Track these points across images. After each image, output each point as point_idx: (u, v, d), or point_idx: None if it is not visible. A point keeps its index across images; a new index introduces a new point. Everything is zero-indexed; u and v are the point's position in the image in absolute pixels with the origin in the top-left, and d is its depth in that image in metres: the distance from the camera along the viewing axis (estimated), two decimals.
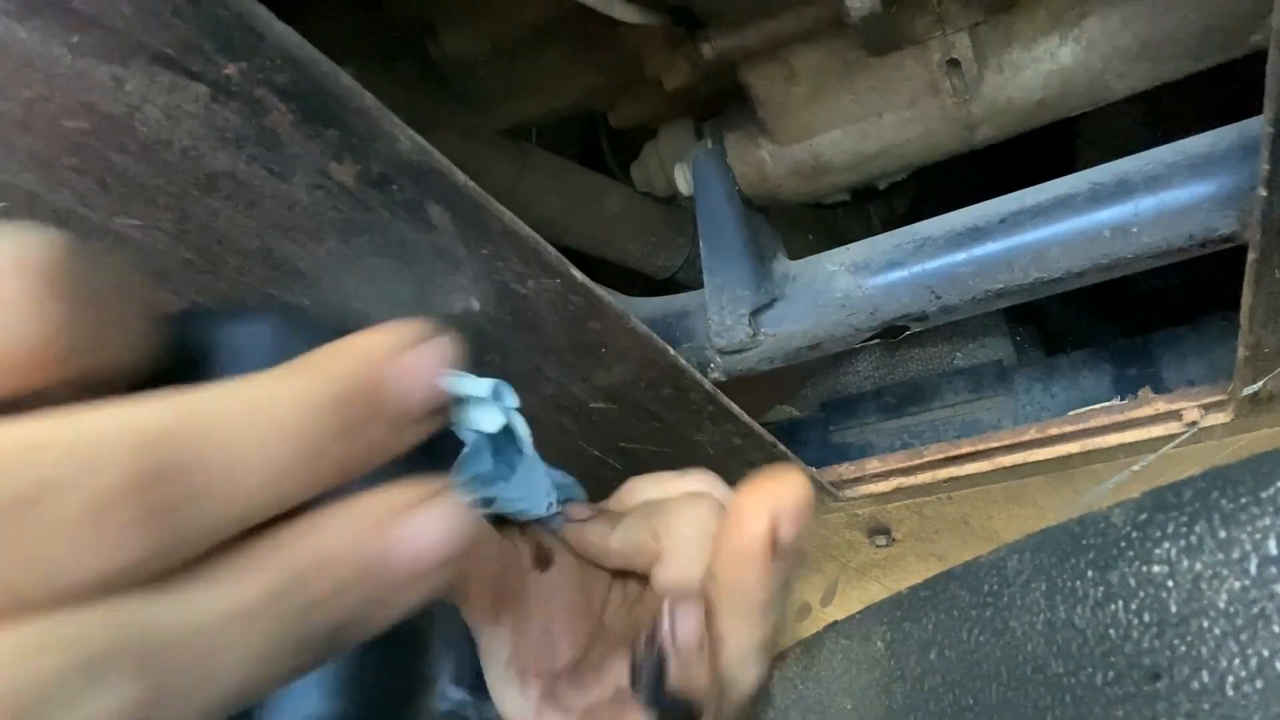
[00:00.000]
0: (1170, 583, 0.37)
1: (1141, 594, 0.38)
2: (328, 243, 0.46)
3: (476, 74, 0.89)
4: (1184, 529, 0.37)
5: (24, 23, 0.31)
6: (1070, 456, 0.96)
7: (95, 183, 0.38)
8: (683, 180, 0.90)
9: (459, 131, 0.91)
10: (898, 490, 1.04)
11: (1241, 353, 0.76)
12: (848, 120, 0.80)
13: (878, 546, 1.23)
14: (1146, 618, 0.38)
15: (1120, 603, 0.39)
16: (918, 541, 1.26)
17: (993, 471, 1.00)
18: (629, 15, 0.72)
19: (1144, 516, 0.39)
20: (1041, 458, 0.96)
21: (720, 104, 0.89)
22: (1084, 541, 0.41)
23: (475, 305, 0.54)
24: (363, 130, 0.41)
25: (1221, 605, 0.35)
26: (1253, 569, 0.35)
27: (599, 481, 0.89)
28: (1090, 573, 0.40)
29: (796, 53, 0.76)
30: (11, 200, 0.38)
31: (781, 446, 0.88)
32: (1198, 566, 0.37)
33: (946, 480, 1.02)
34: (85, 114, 0.35)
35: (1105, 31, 0.71)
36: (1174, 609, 0.37)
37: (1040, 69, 0.74)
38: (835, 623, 0.67)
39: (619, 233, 1.05)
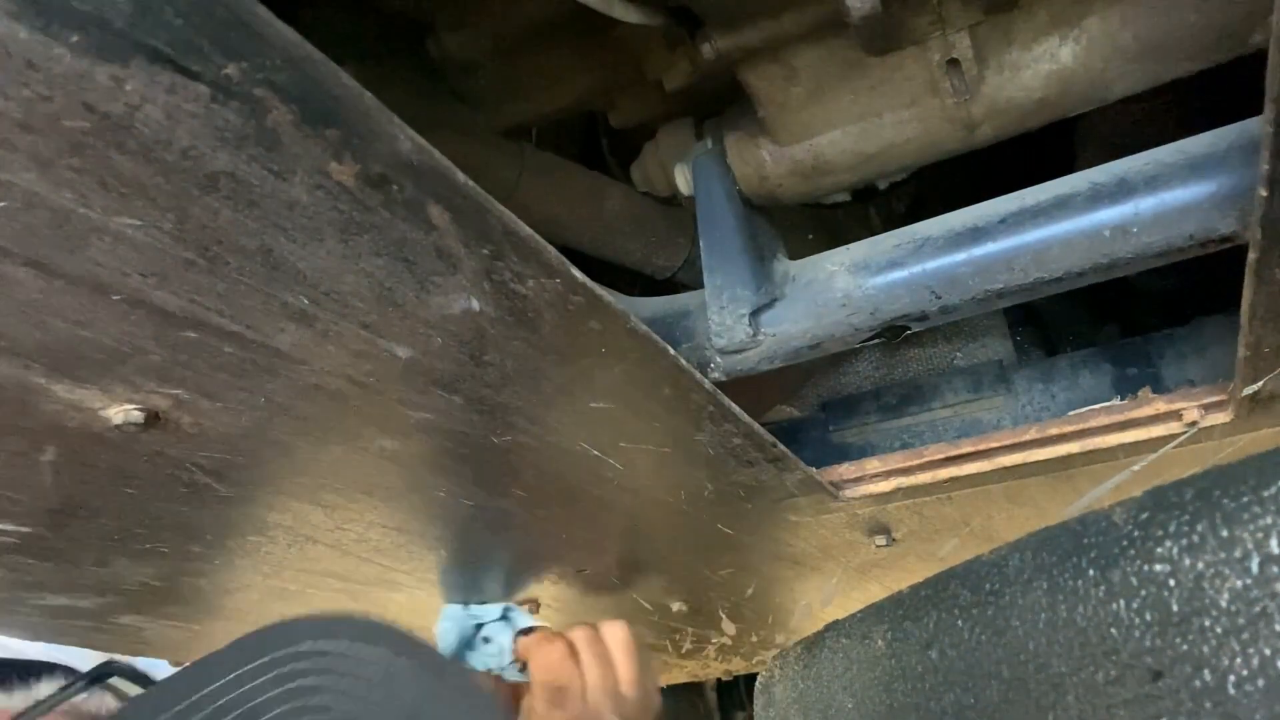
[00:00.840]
0: (1172, 581, 0.37)
1: (1143, 593, 0.38)
2: (328, 243, 0.46)
3: (476, 74, 0.89)
4: (1186, 528, 0.37)
5: (24, 23, 0.31)
6: (1070, 456, 0.96)
7: (95, 183, 0.38)
8: (683, 180, 0.90)
9: (459, 131, 0.91)
10: (898, 490, 1.04)
11: (1241, 353, 0.76)
12: (848, 120, 0.80)
13: (878, 546, 1.23)
14: (1148, 616, 0.38)
15: (1122, 601, 0.39)
16: (918, 541, 1.26)
17: (993, 471, 1.00)
18: (629, 15, 0.71)
19: (1145, 515, 0.39)
20: (1041, 458, 0.96)
21: (720, 104, 0.89)
22: (1085, 540, 0.41)
23: (475, 305, 0.54)
24: (363, 130, 0.41)
25: (1223, 604, 0.35)
26: (1254, 567, 0.35)
27: (599, 481, 0.89)
28: (1092, 571, 0.40)
29: (796, 53, 0.76)
30: (11, 200, 0.38)
31: (781, 446, 0.88)
32: (1199, 565, 0.36)
33: (946, 480, 1.02)
34: (85, 114, 0.35)
35: (1105, 31, 0.71)
36: (1176, 608, 0.37)
37: (1040, 69, 0.74)
38: (836, 622, 0.67)
39: (619, 233, 1.05)
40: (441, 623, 1.07)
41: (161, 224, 0.41)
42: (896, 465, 1.02)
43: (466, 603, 1.10)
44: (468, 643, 1.05)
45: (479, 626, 1.06)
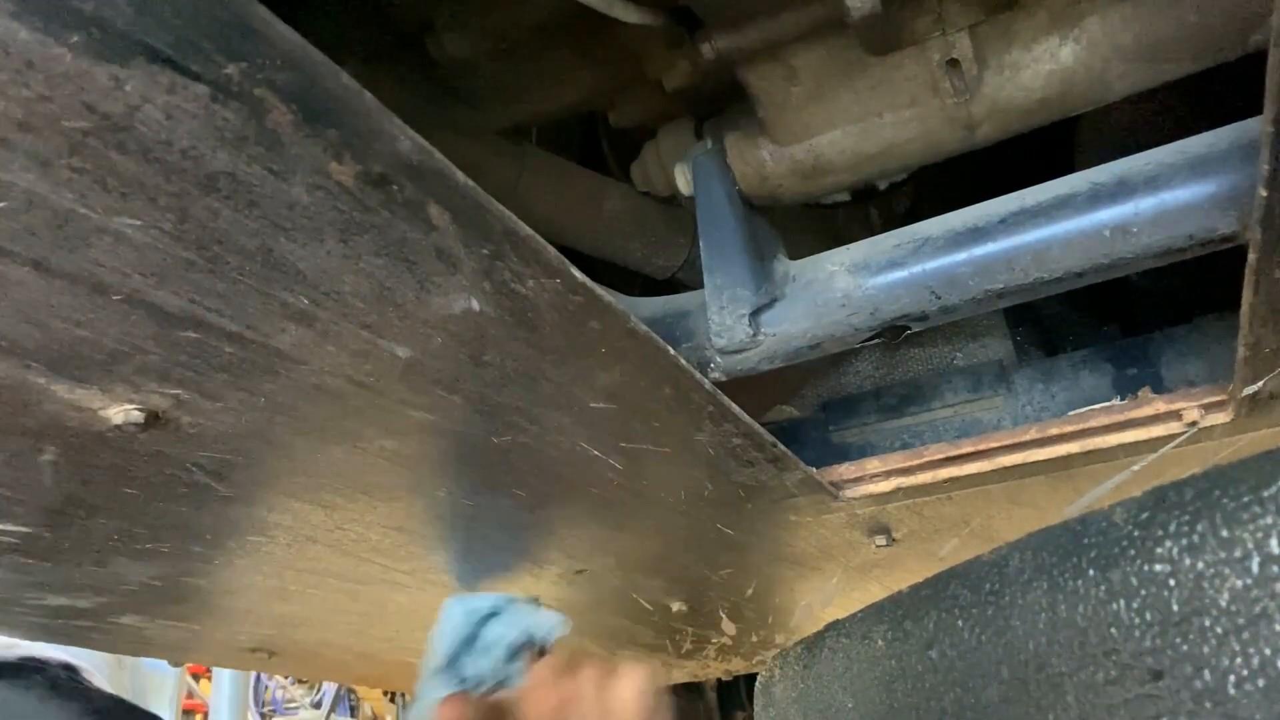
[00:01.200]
0: (1172, 581, 0.37)
1: (1143, 593, 0.38)
2: (328, 243, 0.46)
3: (476, 74, 0.89)
4: (1186, 528, 0.37)
5: (24, 23, 0.31)
6: (1070, 456, 0.96)
7: (95, 183, 0.38)
8: (683, 180, 0.90)
9: (459, 131, 0.91)
10: (898, 490, 1.04)
11: (1241, 353, 0.76)
12: (848, 120, 0.80)
13: (878, 546, 1.23)
14: (1148, 616, 0.38)
15: (1122, 601, 0.39)
16: (918, 541, 1.26)
17: (993, 471, 1.00)
18: (629, 15, 0.72)
19: (1146, 515, 0.39)
20: (1041, 458, 0.96)
21: (720, 104, 0.89)
22: (1085, 540, 0.41)
23: (475, 305, 0.54)
24: (363, 130, 0.41)
25: (1223, 604, 0.35)
26: (1254, 567, 0.35)
27: (599, 481, 0.90)
28: (1092, 571, 0.40)
29: (796, 53, 0.76)
30: (11, 200, 0.38)
31: (781, 446, 0.88)
32: (1200, 565, 0.36)
33: (946, 480, 1.02)
34: (85, 114, 0.35)
35: (1105, 31, 0.71)
36: (1176, 608, 0.37)
37: (1040, 69, 0.74)
38: (836, 621, 0.67)
39: (619, 233, 1.05)
40: (440, 624, 1.00)
41: (161, 224, 0.41)
42: (896, 465, 1.02)
43: (464, 597, 1.01)
44: (469, 641, 0.97)
45: (480, 622, 0.99)
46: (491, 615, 0.95)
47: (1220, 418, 0.89)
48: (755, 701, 0.85)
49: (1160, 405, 0.90)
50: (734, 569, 1.29)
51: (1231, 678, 0.35)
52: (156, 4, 0.32)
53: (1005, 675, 0.43)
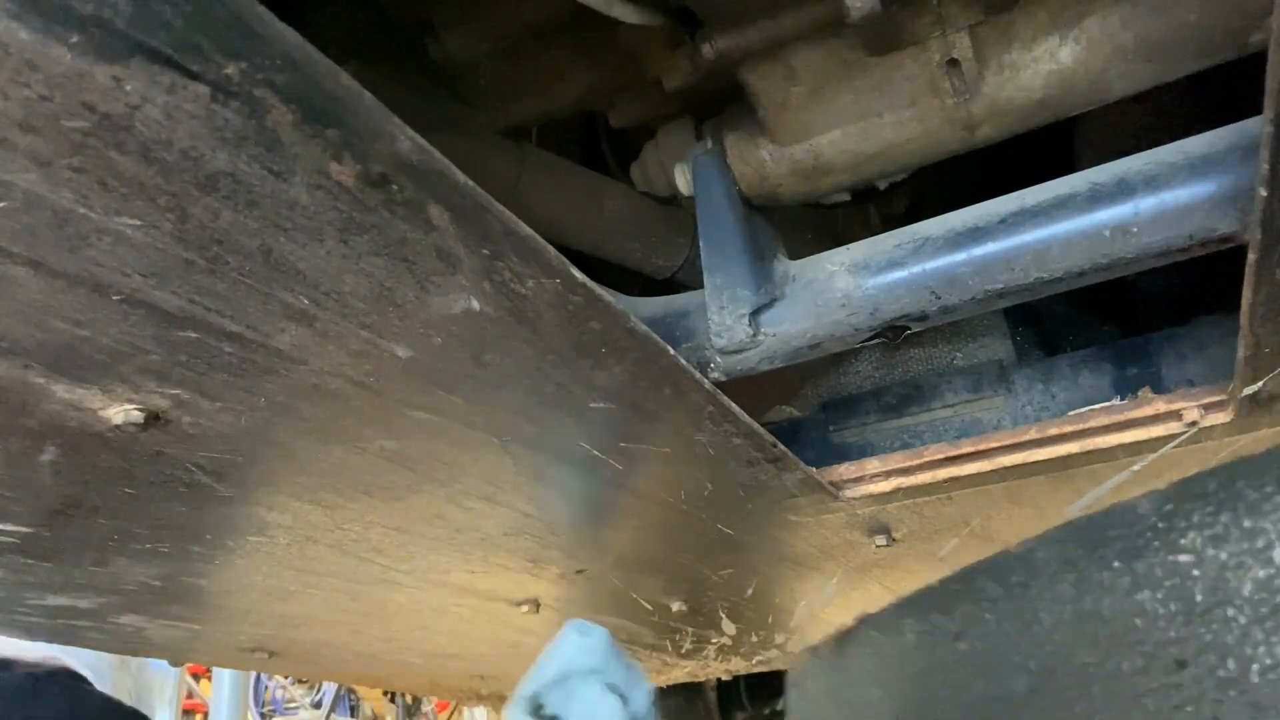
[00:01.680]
0: (1196, 572, 0.38)
1: (1168, 583, 0.38)
2: (328, 243, 0.46)
3: (476, 74, 0.89)
4: (1209, 519, 0.38)
5: (24, 23, 0.31)
6: (1070, 456, 0.96)
7: (95, 183, 0.38)
8: (683, 180, 0.90)
9: (459, 131, 0.91)
10: (898, 490, 1.04)
11: (1241, 353, 0.76)
12: (848, 120, 0.80)
13: (878, 546, 1.23)
14: (1173, 607, 0.38)
15: (1147, 592, 0.39)
16: (918, 541, 1.26)
17: (993, 471, 1.00)
18: (629, 15, 0.72)
19: (1170, 507, 0.39)
20: (1041, 458, 0.96)
21: (720, 104, 0.89)
22: (1111, 532, 0.41)
23: (475, 305, 0.54)
24: (363, 130, 0.41)
25: (1246, 594, 0.36)
26: (1277, 557, 0.35)
27: (599, 481, 0.89)
28: (1117, 563, 0.40)
29: (796, 53, 0.76)
30: (11, 200, 0.38)
31: (781, 446, 0.88)
32: (1223, 556, 0.37)
33: (946, 480, 1.02)
34: (85, 114, 0.35)
35: (1105, 31, 0.71)
36: (1200, 598, 0.37)
37: (1040, 69, 0.74)
38: (866, 615, 0.67)
39: (619, 233, 1.05)
40: (551, 648, 0.88)
41: (161, 224, 0.41)
42: (896, 465, 1.02)
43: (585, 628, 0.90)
44: (563, 679, 0.86)
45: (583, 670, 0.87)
46: (594, 670, 0.86)
47: (1220, 418, 0.89)
48: (787, 694, 0.84)
49: (1160, 405, 0.90)
50: (734, 569, 1.29)
51: (1255, 666, 0.35)
52: (156, 4, 0.32)
53: (1033, 667, 0.44)
